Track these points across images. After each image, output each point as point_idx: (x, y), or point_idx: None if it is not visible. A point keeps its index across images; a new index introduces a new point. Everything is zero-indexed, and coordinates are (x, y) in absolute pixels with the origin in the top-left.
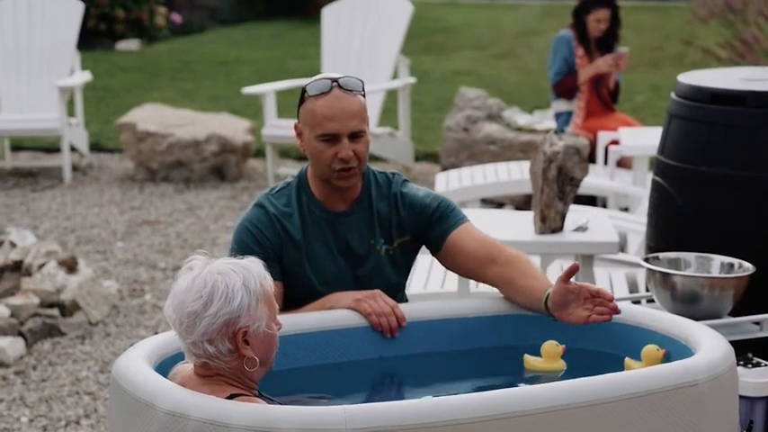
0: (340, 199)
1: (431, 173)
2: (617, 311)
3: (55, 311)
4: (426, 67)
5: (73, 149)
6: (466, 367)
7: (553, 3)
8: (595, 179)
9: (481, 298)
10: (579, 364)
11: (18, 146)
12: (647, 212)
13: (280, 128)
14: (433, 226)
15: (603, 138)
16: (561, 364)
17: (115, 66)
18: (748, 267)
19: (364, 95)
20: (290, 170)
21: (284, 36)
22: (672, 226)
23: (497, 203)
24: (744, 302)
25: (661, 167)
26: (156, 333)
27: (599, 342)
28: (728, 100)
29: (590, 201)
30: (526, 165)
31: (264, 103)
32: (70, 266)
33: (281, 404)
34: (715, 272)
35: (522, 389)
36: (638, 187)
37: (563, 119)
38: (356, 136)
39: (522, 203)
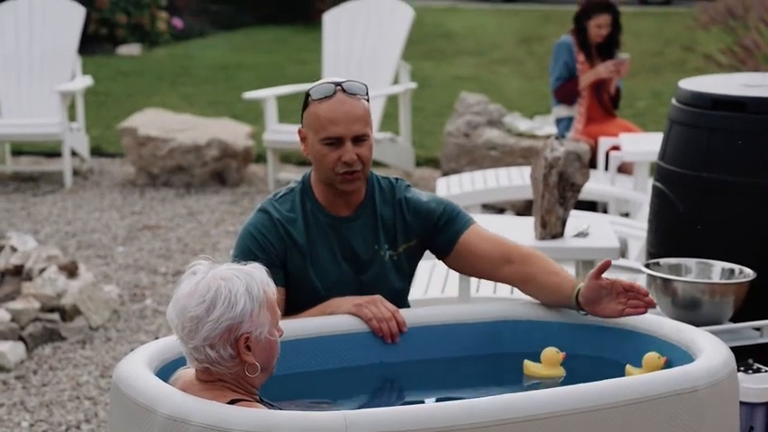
0: (344, 204)
1: (431, 178)
2: (653, 304)
3: (55, 316)
4: (427, 72)
5: (74, 154)
6: (466, 373)
7: (554, 8)
8: (596, 185)
9: (482, 304)
10: (579, 370)
11: (19, 150)
12: (647, 218)
13: (280, 133)
14: (440, 230)
15: (604, 143)
16: (561, 371)
17: (116, 70)
18: (749, 273)
19: (368, 100)
20: (291, 175)
21: (285, 41)
22: (672, 232)
23: (498, 209)
24: (744, 308)
25: (662, 173)
26: (157, 338)
27: (599, 348)
28: (729, 106)
29: (591, 206)
30: (527, 170)
31: (265, 108)
32: (71, 271)
33: (281, 410)
34: (716, 278)
35: (522, 395)
36: (639, 193)
37: (564, 124)
38: (360, 139)
39: (523, 209)
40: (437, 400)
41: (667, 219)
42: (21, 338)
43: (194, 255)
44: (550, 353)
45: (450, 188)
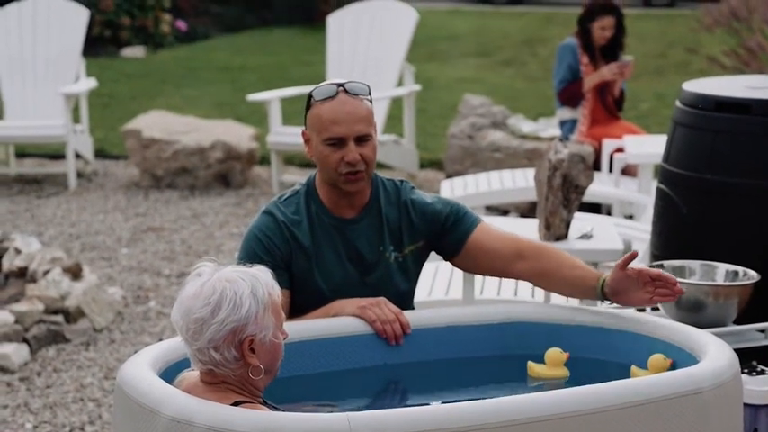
0: (348, 206)
1: (435, 180)
2: (681, 292)
3: (59, 318)
4: (431, 74)
5: (78, 156)
6: (470, 374)
7: (557, 10)
8: (600, 187)
9: (486, 305)
10: (583, 372)
11: (23, 152)
12: (651, 220)
13: (284, 135)
14: (448, 231)
15: (608, 145)
16: (565, 372)
17: (120, 72)
18: (753, 275)
19: (371, 100)
20: (295, 177)
21: (289, 43)
22: (676, 234)
23: (502, 211)
24: (748, 310)
25: (666, 175)
26: (161, 340)
27: (603, 350)
28: (733, 108)
29: (595, 208)
30: (531, 172)
31: (269, 110)
32: (75, 273)
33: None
34: (720, 280)
35: (526, 396)
36: (643, 195)
37: (568, 126)
38: (363, 140)
39: (527, 211)
40: (441, 402)
41: (671, 221)
42: (25, 340)
43: (198, 257)
44: (554, 353)
45: (455, 190)
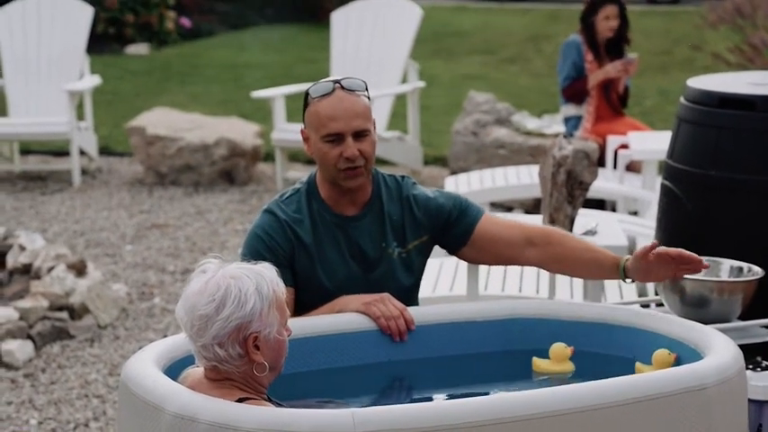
0: (350, 203)
1: (440, 177)
2: (706, 266)
3: (64, 314)
4: (435, 71)
5: (82, 153)
6: (475, 370)
7: (562, 7)
8: (604, 183)
9: (490, 302)
10: (588, 368)
11: (27, 149)
12: (656, 216)
13: (289, 132)
14: (453, 224)
15: (613, 142)
16: (570, 366)
17: (124, 70)
18: (757, 271)
19: (368, 97)
20: (299, 174)
21: (293, 40)
22: (681, 230)
23: (506, 207)
24: (753, 306)
25: (670, 171)
26: (165, 336)
27: (607, 345)
28: (737, 104)
29: (599, 205)
30: (535, 169)
31: (273, 107)
32: (79, 270)
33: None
34: (724, 276)
35: (531, 392)
36: (648, 191)
37: (572, 123)
38: (361, 135)
39: (532, 207)
40: (446, 398)
41: (676, 217)
42: (29, 337)
43: (203, 253)
44: (559, 348)
45: (459, 187)
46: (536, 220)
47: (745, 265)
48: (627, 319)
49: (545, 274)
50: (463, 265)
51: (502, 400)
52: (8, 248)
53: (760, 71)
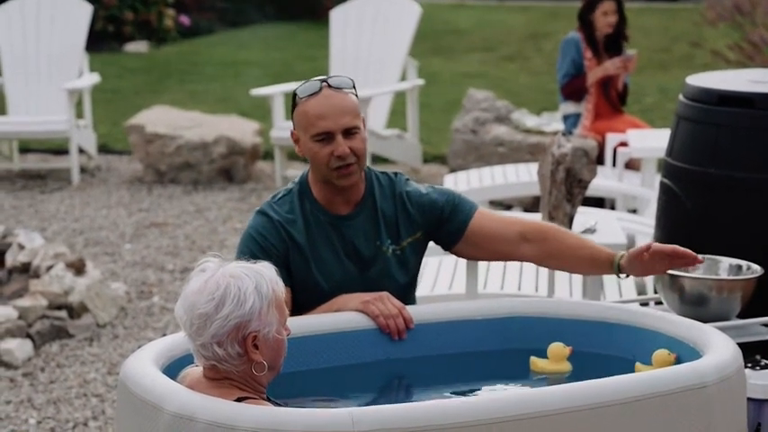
0: (343, 202)
1: (439, 174)
2: (700, 261)
3: (63, 313)
4: (435, 68)
5: (81, 151)
6: (473, 369)
7: (561, 4)
8: (603, 181)
9: (489, 300)
10: (587, 367)
11: (26, 148)
12: (655, 214)
13: (288, 130)
14: (447, 220)
15: (612, 140)
16: (568, 366)
17: (123, 68)
18: (756, 269)
19: (356, 94)
20: (298, 172)
21: (293, 38)
22: (680, 228)
23: (505, 205)
24: (752, 304)
25: (669, 169)
26: (164, 335)
27: (606, 345)
28: (736, 102)
29: (598, 203)
30: (534, 167)
31: (273, 104)
32: (78, 268)
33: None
34: (723, 274)
35: (530, 391)
36: (647, 189)
37: (571, 121)
38: (350, 132)
39: (531, 205)
40: (444, 397)
41: (675, 215)
42: (28, 336)
43: (202, 252)
44: (557, 348)
45: (458, 184)
46: (533, 217)
47: (744, 263)
48: (626, 318)
49: (544, 272)
50: (462, 263)
51: (500, 399)
52: (7, 247)
53: (759, 69)
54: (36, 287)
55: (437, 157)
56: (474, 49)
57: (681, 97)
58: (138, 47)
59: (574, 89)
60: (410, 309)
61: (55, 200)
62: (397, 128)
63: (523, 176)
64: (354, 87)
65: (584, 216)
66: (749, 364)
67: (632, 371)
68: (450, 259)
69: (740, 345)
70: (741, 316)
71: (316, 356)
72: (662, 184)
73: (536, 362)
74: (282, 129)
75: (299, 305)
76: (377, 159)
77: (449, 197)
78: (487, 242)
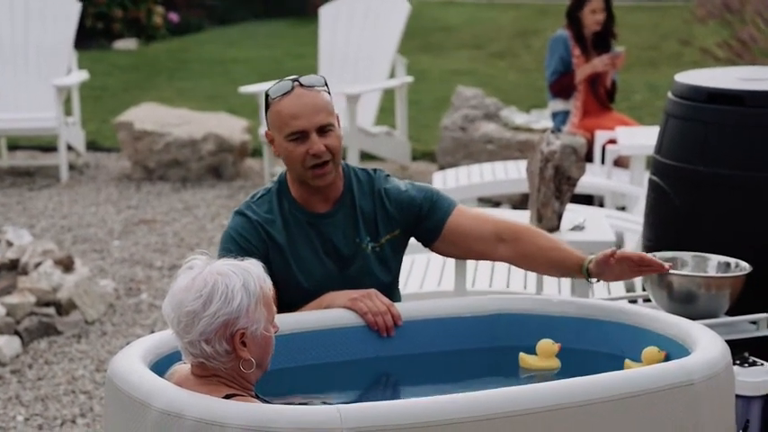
0: (321, 200)
1: (428, 172)
2: (666, 269)
3: (51, 310)
4: (424, 66)
5: (70, 148)
6: (462, 366)
7: (550, 2)
8: (592, 178)
9: (478, 297)
10: (575, 364)
11: (15, 145)
12: (643, 212)
13: None
14: (424, 217)
15: (600, 137)
16: (556, 363)
17: (112, 65)
18: (745, 267)
19: (329, 92)
20: None
21: (282, 35)
22: (669, 225)
23: (494, 203)
24: (740, 302)
25: (658, 167)
26: (153, 332)
27: (595, 342)
28: (726, 99)
29: (587, 200)
30: (523, 164)
31: (261, 102)
32: (66, 265)
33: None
34: (712, 271)
35: (519, 388)
36: (635, 186)
37: (560, 118)
38: (324, 130)
39: (519, 203)
40: (433, 394)
41: (663, 212)
42: (16, 333)
43: (190, 249)
44: (546, 344)
45: (447, 182)
46: (515, 216)
47: (732, 260)
48: (614, 316)
49: None
50: (451, 260)
51: (488, 396)
52: None
53: (748, 66)
54: (24, 284)
55: (426, 155)
56: (463, 46)
57: (670, 95)
58: (127, 44)
59: (562, 86)
60: (398, 306)
61: (43, 197)
62: (386, 125)
63: (512, 174)
64: (326, 85)
65: (573, 213)
66: (737, 362)
67: (622, 368)
68: (439, 256)
69: (728, 342)
70: (729, 313)
71: (304, 353)
72: (651, 181)
73: (525, 358)
74: None
75: (282, 305)
76: (365, 156)
77: (427, 194)
78: (464, 241)
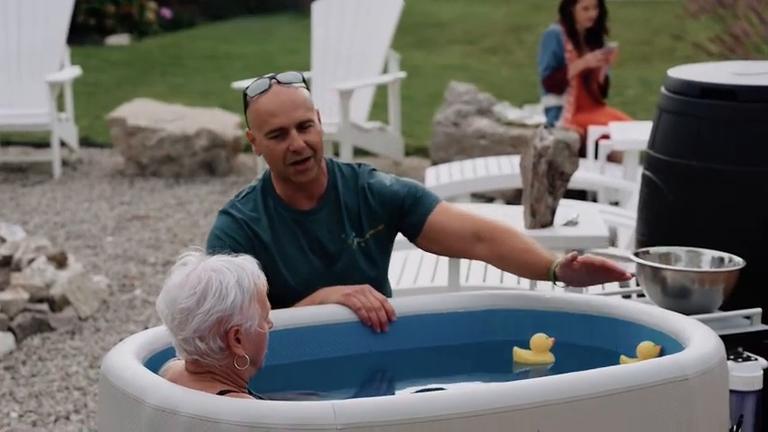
0: (306, 197)
1: (421, 167)
2: (627, 278)
3: (44, 307)
4: (417, 61)
5: (63, 144)
6: (456, 362)
7: None
8: (585, 173)
9: (471, 293)
10: (569, 359)
11: (7, 141)
12: (637, 207)
13: None
14: (407, 213)
15: (594, 132)
16: (550, 357)
17: (105, 61)
18: (738, 262)
19: (307, 88)
20: None
21: (275, 31)
22: (662, 220)
23: (487, 198)
24: (734, 297)
25: (651, 162)
26: (146, 328)
27: (589, 337)
28: (718, 94)
29: (580, 195)
30: (516, 159)
31: None
32: (60, 262)
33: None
34: (705, 266)
35: (513, 383)
36: (629, 181)
37: (553, 113)
38: (304, 126)
39: (513, 198)
40: (427, 390)
41: (657, 207)
42: (9, 329)
43: (183, 245)
44: (539, 339)
45: (440, 177)
46: (518, 217)
47: (726, 255)
48: (608, 310)
49: None
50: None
51: (481, 391)
52: None
53: (741, 61)
54: (17, 280)
55: (419, 150)
56: (456, 41)
57: (663, 90)
58: (119, 40)
59: (555, 82)
60: (392, 301)
61: (36, 193)
62: (378, 121)
63: (505, 169)
64: (304, 81)
65: (567, 209)
66: (731, 357)
67: (617, 362)
68: None
69: (722, 337)
70: (723, 308)
71: (298, 349)
72: (644, 176)
73: (519, 353)
74: None
75: (271, 302)
76: (358, 152)
77: (411, 190)
78: (444, 238)
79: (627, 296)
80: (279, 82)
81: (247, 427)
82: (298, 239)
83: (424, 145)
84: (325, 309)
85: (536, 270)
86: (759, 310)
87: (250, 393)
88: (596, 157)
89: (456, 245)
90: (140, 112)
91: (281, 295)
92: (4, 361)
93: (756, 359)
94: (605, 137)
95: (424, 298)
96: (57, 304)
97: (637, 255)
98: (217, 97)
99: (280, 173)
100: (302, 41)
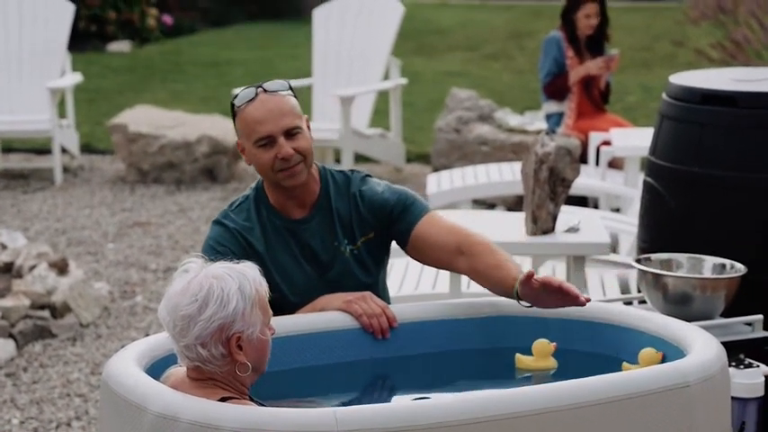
0: (297, 205)
1: (422, 174)
2: (582, 303)
3: (46, 313)
4: (418, 68)
5: (64, 151)
6: (457, 368)
7: (544, 3)
8: (587, 180)
9: (472, 299)
10: (571, 366)
11: (9, 147)
12: (638, 213)
13: None
14: (396, 221)
15: (595, 138)
16: (553, 363)
17: (106, 67)
18: (740, 268)
19: (294, 95)
20: None
21: (276, 37)
22: (663, 227)
23: (489, 204)
24: (735, 303)
25: (652, 168)
26: (148, 335)
27: (590, 343)
28: (720, 101)
29: (581, 202)
30: (517, 166)
31: None
32: (61, 268)
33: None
34: (707, 273)
35: (515, 390)
36: (630, 188)
37: (554, 120)
38: (292, 133)
39: (514, 204)
40: (428, 396)
41: (658, 214)
42: (11, 336)
43: (185, 251)
44: (541, 345)
45: (441, 184)
46: (519, 224)
47: (727, 261)
48: (609, 317)
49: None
50: None
51: (484, 398)
52: None
53: (742, 67)
54: (19, 287)
55: (420, 157)
56: (457, 48)
57: (664, 96)
58: (120, 46)
59: (556, 88)
60: (393, 308)
61: (38, 199)
62: (380, 127)
63: (507, 175)
64: (291, 89)
65: (568, 215)
66: (733, 363)
67: (618, 369)
68: None
69: (724, 344)
70: (725, 315)
71: (299, 356)
72: (645, 182)
73: (521, 359)
74: None
75: None
76: (360, 158)
77: (401, 197)
78: (429, 249)
79: (628, 302)
80: (265, 90)
81: None
82: (291, 248)
83: (425, 151)
84: (326, 315)
85: (504, 287)
86: (761, 316)
87: (251, 400)
88: (597, 163)
89: (441, 257)
90: (141, 118)
91: (277, 305)
92: (6, 368)
93: (758, 366)
94: (606, 143)
95: (426, 305)
96: (58, 311)
97: (638, 261)
98: (218, 104)
99: (270, 181)
100: (303, 47)
